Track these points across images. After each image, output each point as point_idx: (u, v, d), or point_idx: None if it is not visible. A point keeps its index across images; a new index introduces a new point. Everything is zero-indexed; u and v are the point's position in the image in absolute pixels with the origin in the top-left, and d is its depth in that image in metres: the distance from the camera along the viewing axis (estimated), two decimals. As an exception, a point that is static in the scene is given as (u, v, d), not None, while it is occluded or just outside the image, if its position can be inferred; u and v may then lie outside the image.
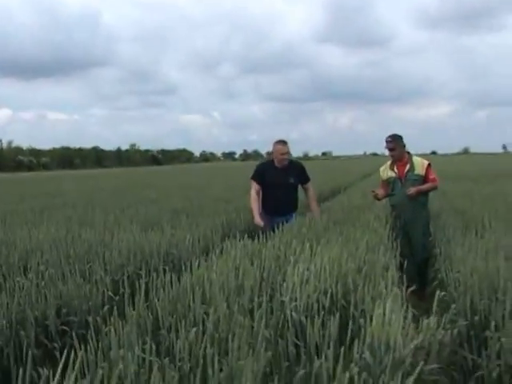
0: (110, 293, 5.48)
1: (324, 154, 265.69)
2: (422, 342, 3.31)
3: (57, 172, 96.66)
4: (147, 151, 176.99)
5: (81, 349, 2.92)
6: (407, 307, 3.70)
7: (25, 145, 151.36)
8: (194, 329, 3.37)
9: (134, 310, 3.80)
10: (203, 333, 3.37)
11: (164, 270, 5.19)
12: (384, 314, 3.42)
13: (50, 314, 4.76)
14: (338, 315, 3.51)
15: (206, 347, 3.10)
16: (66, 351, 2.87)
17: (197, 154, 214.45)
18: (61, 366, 2.45)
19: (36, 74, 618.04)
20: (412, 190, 8.41)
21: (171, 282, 4.35)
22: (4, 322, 4.37)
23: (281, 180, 8.91)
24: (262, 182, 8.97)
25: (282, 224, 7.66)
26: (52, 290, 5.04)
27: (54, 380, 2.42)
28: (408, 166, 8.64)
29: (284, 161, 8.96)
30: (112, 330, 3.33)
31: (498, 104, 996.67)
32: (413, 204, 8.52)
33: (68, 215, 11.71)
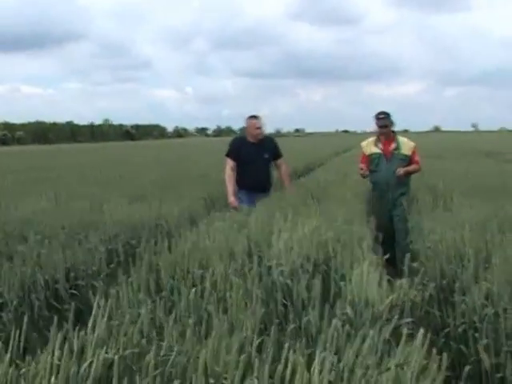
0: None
1: (297, 130, 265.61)
2: (397, 300, 3.76)
3: (32, 146, 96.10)
4: (121, 126, 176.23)
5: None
6: (382, 271, 4.15)
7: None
8: (194, 289, 3.78)
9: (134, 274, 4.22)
10: (202, 292, 3.79)
11: (155, 241, 5.58)
12: (362, 275, 3.88)
13: (60, 278, 5.17)
14: (320, 277, 3.95)
15: (206, 304, 3.53)
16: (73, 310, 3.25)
17: (170, 129, 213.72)
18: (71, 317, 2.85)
19: (10, 48, 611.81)
20: (401, 171, 8.41)
21: (169, 248, 4.78)
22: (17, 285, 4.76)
23: (256, 155, 8.82)
24: (237, 158, 8.90)
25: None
26: (60, 256, 5.43)
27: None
28: (394, 145, 8.65)
29: (259, 135, 8.90)
30: (121, 290, 3.74)
31: (467, 83, 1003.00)
32: (397, 183, 8.50)
33: (54, 189, 12.02)
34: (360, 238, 5.27)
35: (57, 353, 2.54)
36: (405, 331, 2.94)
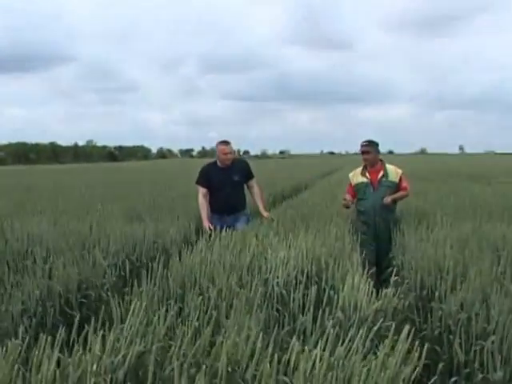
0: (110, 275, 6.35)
1: (281, 152, 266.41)
2: (382, 306, 4.26)
3: (14, 167, 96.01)
4: (104, 147, 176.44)
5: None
6: (369, 282, 4.64)
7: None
8: (201, 297, 4.25)
9: (138, 288, 4.68)
10: (208, 300, 4.26)
11: (154, 257, 6.04)
12: (353, 285, 4.37)
13: (73, 289, 5.66)
14: (315, 287, 4.44)
15: (211, 310, 4.00)
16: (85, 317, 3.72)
17: (154, 150, 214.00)
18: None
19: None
20: (388, 200, 8.47)
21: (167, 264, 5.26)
22: (37, 293, 5.24)
23: (226, 179, 8.86)
24: (208, 185, 8.97)
25: (233, 227, 8.00)
26: (73, 270, 5.89)
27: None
28: (382, 173, 8.69)
29: (227, 161, 8.92)
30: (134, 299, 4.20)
31: (455, 107, 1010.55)
32: (384, 211, 8.58)
33: (49, 208, 12.40)
34: (349, 253, 5.77)
35: (96, 346, 3.01)
36: (393, 327, 3.44)
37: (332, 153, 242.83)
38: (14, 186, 23.69)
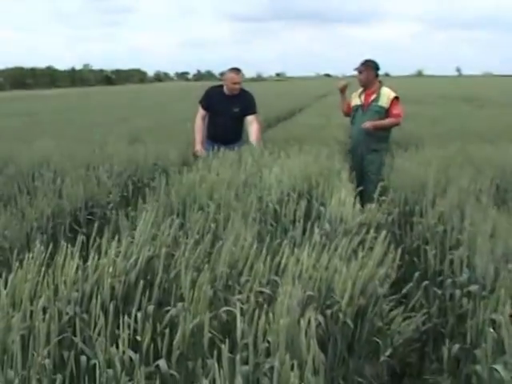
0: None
1: (278, 74, 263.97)
2: (365, 220, 4.68)
3: (12, 92, 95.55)
4: (101, 71, 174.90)
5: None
6: (355, 198, 5.06)
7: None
8: (200, 211, 4.66)
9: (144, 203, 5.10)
10: (208, 214, 4.66)
11: (155, 178, 6.45)
12: (339, 200, 4.79)
13: (80, 207, 6.10)
14: (305, 202, 4.86)
15: (210, 223, 4.41)
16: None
17: (150, 74, 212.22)
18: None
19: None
20: (367, 124, 8.06)
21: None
22: (49, 211, 5.66)
23: (225, 108, 8.59)
24: (208, 108, 8.82)
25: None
26: (79, 189, 6.30)
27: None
28: (374, 96, 8.24)
29: (235, 90, 8.66)
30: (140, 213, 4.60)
31: (454, 27, 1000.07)
32: (369, 139, 8.16)
33: (52, 132, 12.78)
34: (338, 171, 6.17)
35: (111, 252, 3.44)
36: (370, 236, 3.88)
37: (328, 75, 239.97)
38: (12, 111, 23.97)
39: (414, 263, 4.74)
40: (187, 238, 3.92)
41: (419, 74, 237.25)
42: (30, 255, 3.32)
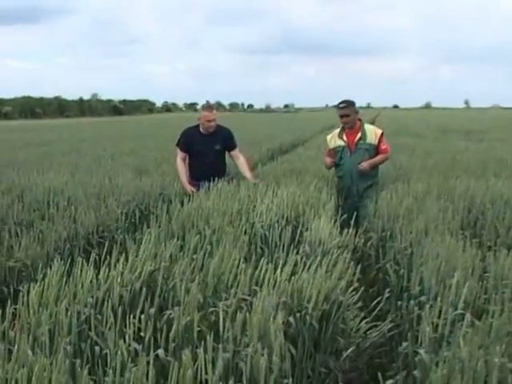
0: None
1: (286, 106, 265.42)
2: (342, 243, 5.36)
3: (21, 121, 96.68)
4: (109, 101, 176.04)
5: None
6: (335, 224, 5.74)
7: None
8: (198, 236, 5.34)
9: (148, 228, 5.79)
10: (204, 238, 5.34)
11: (159, 206, 7.16)
12: (319, 226, 5.48)
13: (94, 231, 6.82)
14: (290, 227, 5.56)
15: (206, 245, 5.09)
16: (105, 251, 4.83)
17: (159, 104, 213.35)
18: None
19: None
20: (365, 166, 8.15)
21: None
22: (65, 235, 6.38)
23: (206, 147, 8.66)
24: (188, 150, 8.87)
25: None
26: (91, 216, 7.02)
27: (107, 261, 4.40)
28: (359, 134, 8.32)
29: (210, 128, 8.71)
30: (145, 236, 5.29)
31: (463, 59, 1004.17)
32: (363, 176, 8.26)
33: (65, 163, 13.55)
34: (324, 202, 6.85)
35: (119, 266, 4.13)
36: (343, 260, 4.56)
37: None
38: (27, 142, 24.76)
39: (387, 280, 5.37)
40: (184, 255, 4.61)
41: (427, 107, 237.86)
42: (52, 269, 4.03)
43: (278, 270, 4.10)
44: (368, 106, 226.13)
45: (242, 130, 22.68)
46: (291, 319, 3.71)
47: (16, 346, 3.04)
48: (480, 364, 2.77)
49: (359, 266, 4.49)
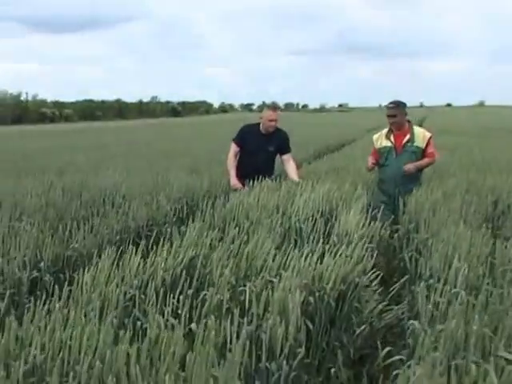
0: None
1: (340, 105, 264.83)
2: (368, 234, 5.83)
3: (81, 124, 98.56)
4: (168, 103, 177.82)
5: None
6: (363, 216, 6.21)
7: (49, 97, 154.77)
8: (237, 228, 5.86)
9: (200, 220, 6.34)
10: (242, 229, 5.86)
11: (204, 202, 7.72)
12: (347, 218, 5.97)
13: (144, 225, 7.43)
14: (323, 220, 6.06)
15: (243, 235, 5.61)
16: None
17: (216, 105, 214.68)
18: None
19: (62, 29, 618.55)
20: (411, 168, 8.09)
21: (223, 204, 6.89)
22: (117, 228, 6.98)
23: (260, 146, 8.73)
24: (242, 146, 8.92)
25: None
26: (142, 211, 7.64)
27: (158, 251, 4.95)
28: (408, 137, 8.23)
29: (271, 128, 8.78)
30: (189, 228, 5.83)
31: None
32: (407, 180, 8.14)
33: (121, 164, 14.24)
34: (357, 197, 7.31)
35: (163, 254, 4.69)
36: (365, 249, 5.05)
37: None
38: (86, 144, 25.67)
39: (407, 268, 5.80)
40: (222, 244, 5.14)
41: (481, 105, 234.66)
42: (103, 256, 4.63)
43: (303, 257, 4.59)
44: (421, 105, 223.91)
45: (295, 130, 23.00)
46: (311, 298, 4.19)
47: (72, 315, 3.58)
48: (460, 332, 3.23)
49: (375, 255, 4.94)
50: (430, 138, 8.29)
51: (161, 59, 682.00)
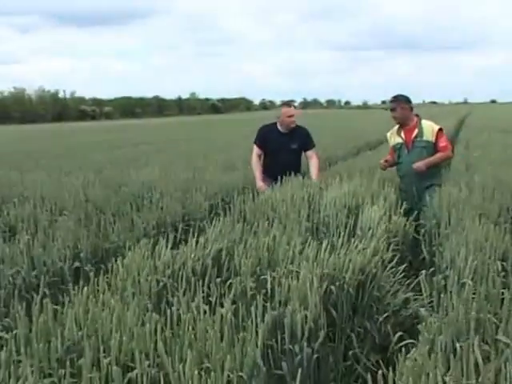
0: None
1: (383, 102, 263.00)
2: (391, 228, 6.09)
3: (121, 121, 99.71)
4: (207, 100, 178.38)
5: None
6: (386, 212, 6.47)
7: (87, 94, 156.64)
8: (267, 221, 6.15)
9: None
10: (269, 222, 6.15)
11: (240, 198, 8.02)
12: (370, 213, 6.23)
13: (180, 219, 7.80)
14: (350, 215, 6.35)
15: (271, 227, 5.90)
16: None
17: (256, 102, 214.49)
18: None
19: (96, 23, 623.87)
20: (420, 166, 7.85)
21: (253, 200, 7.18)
22: (154, 222, 7.32)
23: (283, 145, 8.64)
24: (264, 147, 8.84)
25: None
26: (178, 206, 8.00)
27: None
28: (416, 131, 8.01)
29: (291, 123, 8.69)
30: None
31: None
32: (421, 177, 7.97)
33: (159, 160, 14.66)
34: (385, 193, 7.55)
35: (194, 245, 5.01)
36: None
37: (434, 102, 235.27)
38: (125, 141, 26.23)
39: (433, 261, 6.02)
40: (248, 236, 5.44)
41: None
42: (137, 247, 4.97)
43: (323, 249, 4.87)
44: (465, 102, 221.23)
45: (337, 127, 23.10)
46: (333, 287, 4.47)
47: (107, 299, 3.91)
48: (460, 316, 3.49)
49: (399, 248, 5.21)
50: (439, 130, 8.04)
51: (196, 55, 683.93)
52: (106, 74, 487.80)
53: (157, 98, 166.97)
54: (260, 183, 8.61)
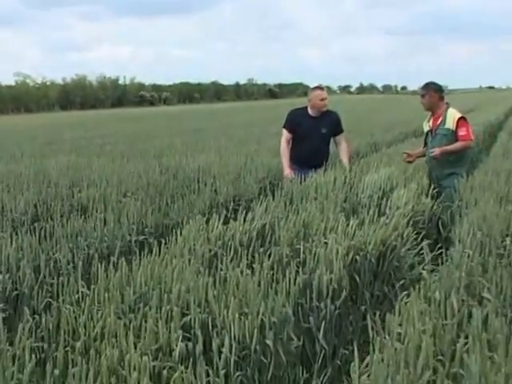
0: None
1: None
2: (417, 208, 6.85)
3: (180, 106, 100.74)
4: (264, 85, 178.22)
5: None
6: (416, 194, 7.22)
7: (147, 80, 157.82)
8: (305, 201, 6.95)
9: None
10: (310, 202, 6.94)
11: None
12: (399, 194, 7.00)
13: (231, 199, 8.71)
14: (384, 196, 7.14)
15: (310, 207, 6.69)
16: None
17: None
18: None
19: (158, 12, 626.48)
20: (436, 152, 8.00)
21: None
22: (208, 202, 8.18)
23: (313, 130, 8.58)
24: (293, 131, 8.81)
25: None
26: (230, 188, 8.90)
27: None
28: (440, 119, 8.12)
29: (323, 107, 8.66)
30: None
31: None
32: (441, 164, 8.15)
33: (215, 146, 15.52)
34: (418, 178, 8.25)
35: (241, 219, 5.86)
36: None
37: (491, 87, 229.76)
38: (183, 128, 27.15)
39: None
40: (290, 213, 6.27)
41: None
42: (191, 222, 5.86)
43: (351, 224, 5.68)
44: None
45: (390, 111, 23.12)
46: (357, 257, 5.26)
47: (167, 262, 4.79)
48: (453, 277, 4.28)
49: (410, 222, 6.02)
50: (460, 119, 8.03)
51: (254, 40, 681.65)
52: (166, 60, 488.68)
53: (215, 84, 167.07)
54: (287, 170, 8.72)
